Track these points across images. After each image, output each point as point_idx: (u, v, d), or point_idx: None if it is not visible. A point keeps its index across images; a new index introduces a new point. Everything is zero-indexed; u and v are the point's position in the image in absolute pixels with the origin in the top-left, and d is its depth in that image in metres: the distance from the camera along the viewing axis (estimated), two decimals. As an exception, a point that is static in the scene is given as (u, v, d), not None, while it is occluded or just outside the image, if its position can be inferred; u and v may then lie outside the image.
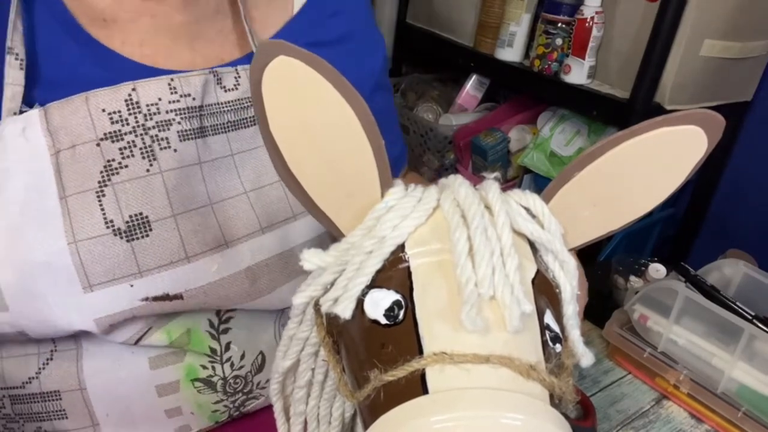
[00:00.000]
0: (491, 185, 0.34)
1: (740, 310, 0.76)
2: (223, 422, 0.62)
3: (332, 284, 0.33)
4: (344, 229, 0.34)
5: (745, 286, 0.84)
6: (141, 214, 0.49)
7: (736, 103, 1.30)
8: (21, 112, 0.47)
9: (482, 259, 0.30)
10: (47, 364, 0.52)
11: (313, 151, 0.32)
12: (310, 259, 0.33)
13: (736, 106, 1.31)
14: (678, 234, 1.51)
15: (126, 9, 0.51)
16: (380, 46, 0.70)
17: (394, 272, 0.31)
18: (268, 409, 0.63)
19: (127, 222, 0.49)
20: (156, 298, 0.50)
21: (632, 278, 0.91)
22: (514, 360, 0.28)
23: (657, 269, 0.90)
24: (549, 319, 0.32)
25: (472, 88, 1.62)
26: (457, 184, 0.34)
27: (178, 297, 0.51)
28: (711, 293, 0.78)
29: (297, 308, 0.36)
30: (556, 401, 0.30)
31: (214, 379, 0.57)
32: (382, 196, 0.34)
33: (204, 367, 0.57)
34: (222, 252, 0.53)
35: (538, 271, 0.33)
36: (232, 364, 0.58)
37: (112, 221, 0.48)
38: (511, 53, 1.36)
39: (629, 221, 0.36)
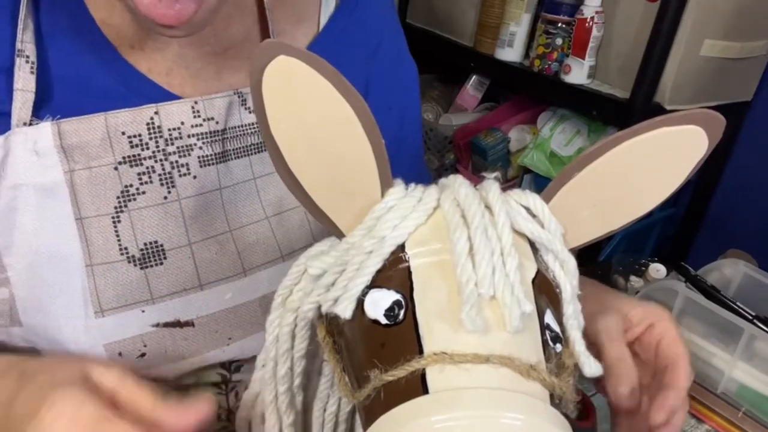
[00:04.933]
0: (491, 185, 0.34)
1: (740, 310, 0.76)
2: None
3: (333, 284, 0.33)
4: (345, 229, 0.34)
5: (745, 286, 0.84)
6: (156, 242, 0.49)
7: (736, 103, 1.30)
8: (32, 123, 0.44)
9: (482, 258, 0.30)
10: None
11: (314, 151, 0.32)
12: (312, 263, 0.33)
13: (736, 106, 1.31)
14: (678, 234, 1.51)
15: (153, 38, 0.49)
16: (412, 65, 0.68)
17: (394, 272, 0.31)
18: None
19: (142, 250, 0.48)
20: (167, 324, 0.50)
21: (632, 278, 0.91)
22: (514, 360, 0.28)
23: (657, 269, 0.90)
24: (549, 318, 0.32)
25: (472, 88, 1.62)
26: (457, 184, 0.34)
27: (189, 324, 0.51)
28: (711, 293, 0.78)
29: (305, 315, 0.36)
30: (556, 401, 0.30)
31: (219, 410, 0.56)
32: (383, 195, 0.34)
33: None
34: (238, 280, 0.53)
35: (538, 271, 0.33)
36: (236, 394, 0.57)
37: (126, 249, 0.48)
38: (511, 53, 1.36)
39: (629, 221, 0.36)
